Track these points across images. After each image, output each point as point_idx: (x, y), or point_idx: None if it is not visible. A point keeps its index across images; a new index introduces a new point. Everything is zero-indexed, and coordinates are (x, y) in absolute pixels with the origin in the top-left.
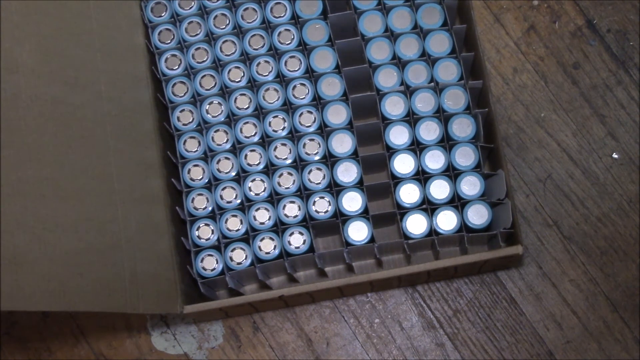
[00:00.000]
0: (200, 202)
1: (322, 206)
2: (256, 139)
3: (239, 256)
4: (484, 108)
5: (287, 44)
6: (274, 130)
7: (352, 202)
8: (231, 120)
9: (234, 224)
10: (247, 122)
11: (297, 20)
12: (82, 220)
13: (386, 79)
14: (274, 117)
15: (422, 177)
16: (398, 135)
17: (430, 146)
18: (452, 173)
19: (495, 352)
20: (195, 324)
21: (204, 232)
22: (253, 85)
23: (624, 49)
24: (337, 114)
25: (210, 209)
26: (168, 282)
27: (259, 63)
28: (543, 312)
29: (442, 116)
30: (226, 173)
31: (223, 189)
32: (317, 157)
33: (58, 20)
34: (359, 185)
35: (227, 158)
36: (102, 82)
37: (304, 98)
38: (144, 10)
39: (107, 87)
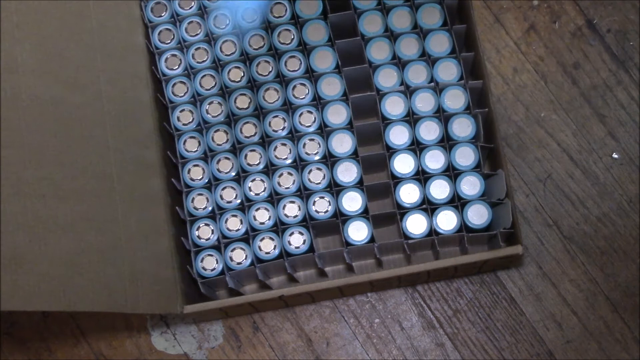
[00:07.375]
0: (200, 202)
1: (322, 206)
2: (256, 139)
3: (239, 256)
4: (484, 108)
5: (287, 44)
6: (274, 130)
7: (352, 202)
8: (231, 120)
9: (234, 224)
10: (247, 122)
11: (297, 20)
12: (82, 220)
13: (386, 79)
14: (274, 117)
15: (422, 177)
16: (398, 135)
17: (430, 146)
18: (452, 173)
19: (495, 352)
20: (195, 324)
21: (204, 232)
22: (253, 85)
23: (624, 49)
24: (337, 114)
25: (210, 209)
26: (168, 282)
27: (259, 63)
28: (543, 312)
29: (442, 116)
30: (226, 173)
31: (223, 189)
32: (317, 157)
33: (58, 20)
34: (359, 185)
35: (227, 158)
36: (102, 82)
37: (304, 98)
38: (144, 10)
39: (107, 87)
